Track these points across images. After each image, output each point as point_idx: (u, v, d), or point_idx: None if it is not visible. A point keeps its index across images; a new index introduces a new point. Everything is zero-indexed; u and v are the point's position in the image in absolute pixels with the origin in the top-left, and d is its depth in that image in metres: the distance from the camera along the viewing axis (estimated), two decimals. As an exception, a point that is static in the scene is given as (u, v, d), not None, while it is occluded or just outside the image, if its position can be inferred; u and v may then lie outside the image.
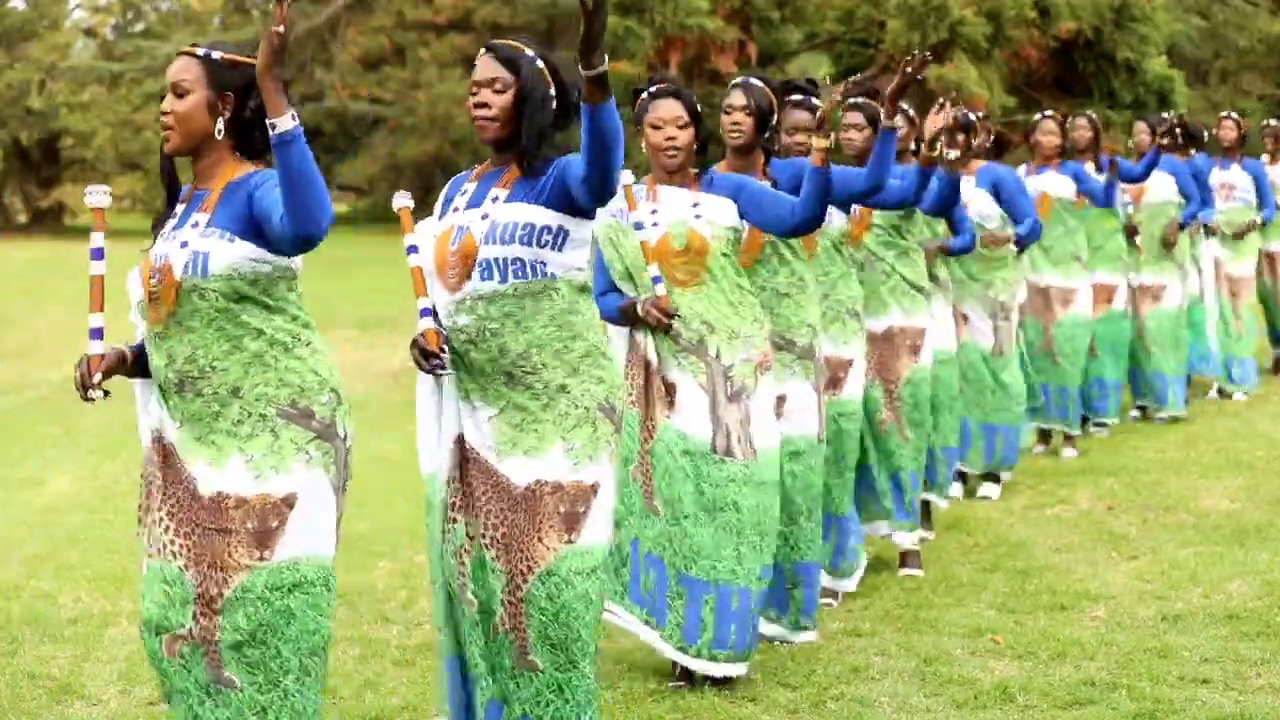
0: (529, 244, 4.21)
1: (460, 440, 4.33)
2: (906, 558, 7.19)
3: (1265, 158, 12.99)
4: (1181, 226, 10.90)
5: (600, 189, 4.08)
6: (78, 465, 10.23)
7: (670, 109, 5.39)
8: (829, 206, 5.88)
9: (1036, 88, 17.82)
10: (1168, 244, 10.83)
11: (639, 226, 5.31)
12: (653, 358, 5.40)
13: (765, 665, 5.73)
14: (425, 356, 4.22)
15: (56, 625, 6.36)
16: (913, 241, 7.20)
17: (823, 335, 6.34)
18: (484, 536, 4.26)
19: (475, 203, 4.36)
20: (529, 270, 4.22)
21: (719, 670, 5.39)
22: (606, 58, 3.82)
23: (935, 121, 6.28)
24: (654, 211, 5.41)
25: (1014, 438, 8.69)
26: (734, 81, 5.96)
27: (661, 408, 5.39)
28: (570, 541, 4.19)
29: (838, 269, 6.53)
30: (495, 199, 4.31)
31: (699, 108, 5.44)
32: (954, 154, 6.71)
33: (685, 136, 5.40)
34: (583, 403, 4.24)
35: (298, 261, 3.94)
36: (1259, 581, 6.75)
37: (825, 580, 6.54)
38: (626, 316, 5.42)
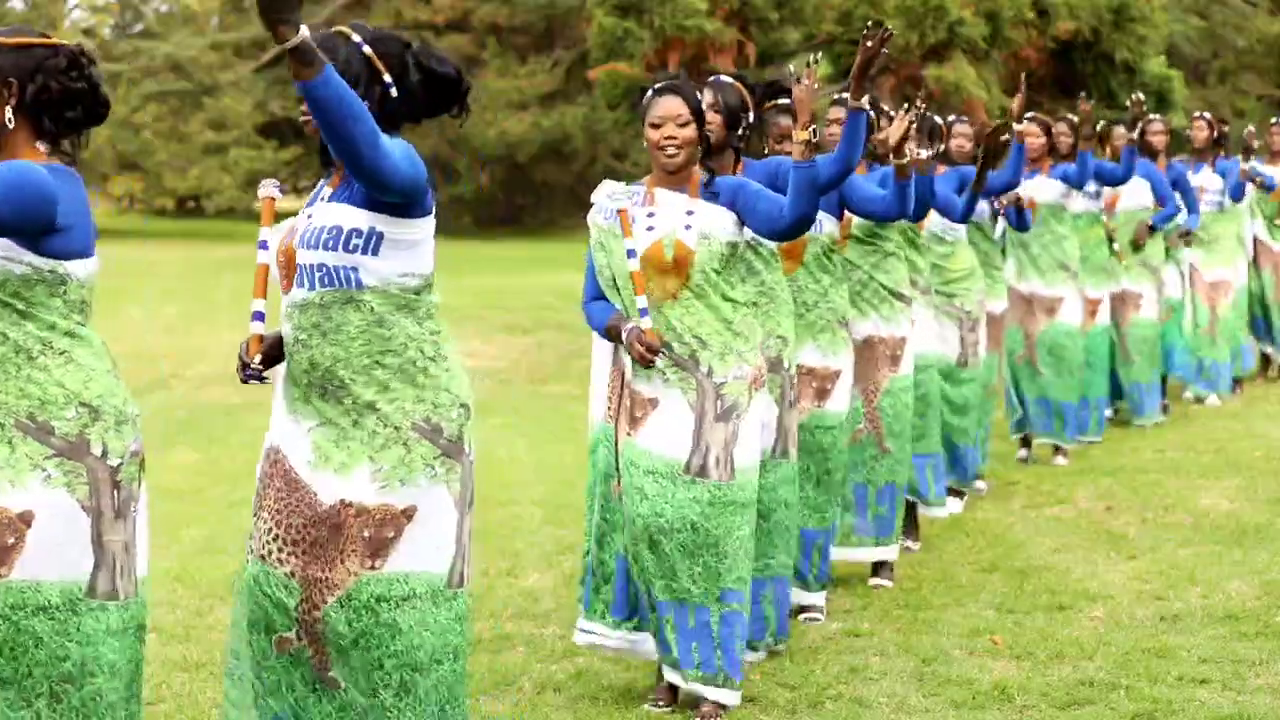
0: (335, 249, 3.92)
1: (274, 450, 4.06)
2: (879, 568, 6.99)
3: (1265, 157, 12.91)
4: (1152, 229, 10.79)
5: (358, 175, 3.72)
6: (76, 466, 10.21)
7: (670, 106, 5.14)
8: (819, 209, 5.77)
9: (1035, 88, 17.81)
10: (1136, 246, 10.72)
11: (631, 254, 5.07)
12: (628, 372, 5.22)
13: (764, 665, 5.73)
14: (241, 365, 4.02)
15: (55, 626, 6.34)
16: (891, 246, 6.91)
17: (811, 345, 6.19)
18: (278, 550, 4.00)
19: (312, 200, 4.11)
20: (335, 278, 3.93)
21: (694, 688, 5.15)
22: (304, 28, 3.47)
23: (897, 129, 5.99)
24: (650, 215, 5.18)
25: (970, 455, 8.37)
26: (708, 81, 5.74)
27: (626, 424, 5.18)
28: (374, 568, 3.92)
29: (828, 277, 6.30)
30: (324, 198, 4.04)
31: (703, 107, 5.21)
32: (926, 153, 6.44)
33: (686, 134, 5.13)
34: (393, 421, 3.94)
35: (75, 266, 3.65)
36: (1258, 582, 6.75)
37: (806, 597, 6.35)
38: (610, 336, 5.22)
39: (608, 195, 5.29)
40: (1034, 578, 6.92)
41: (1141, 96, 10.02)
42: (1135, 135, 9.80)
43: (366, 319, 3.95)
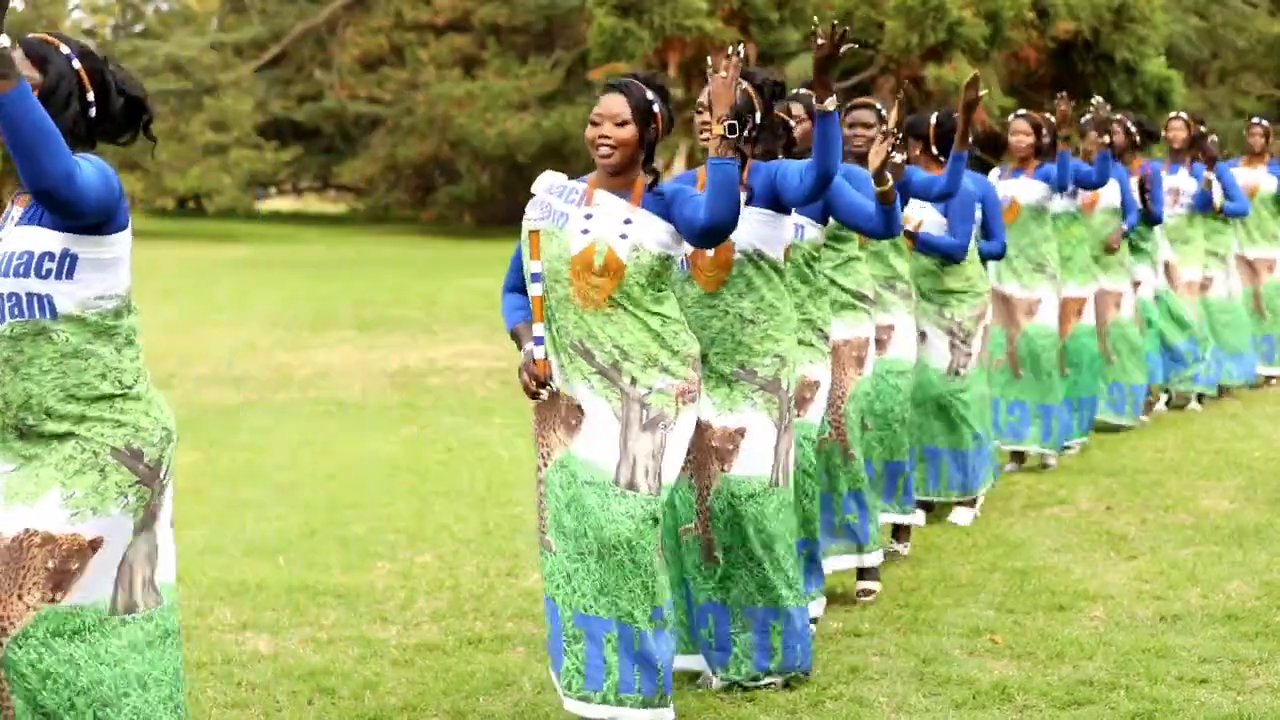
0: (26, 275, 3.68)
1: None
2: (865, 571, 6.74)
3: (1242, 159, 12.72)
4: (1126, 235, 10.65)
5: (47, 201, 3.53)
6: (76, 466, 10.22)
7: (611, 105, 4.89)
8: (782, 213, 5.42)
9: (1035, 88, 17.85)
10: (1109, 250, 10.53)
11: (535, 278, 4.87)
12: (558, 380, 4.94)
13: (764, 665, 5.73)
14: None
15: (55, 625, 6.35)
16: (853, 249, 6.69)
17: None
18: None
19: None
20: (27, 307, 3.69)
21: (629, 716, 4.88)
22: (4, 38, 3.33)
23: (875, 157, 5.76)
24: (588, 217, 4.93)
25: (965, 461, 8.04)
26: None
27: (564, 433, 4.92)
28: (54, 601, 3.71)
29: (807, 287, 6.01)
30: (13, 219, 3.77)
31: (655, 108, 4.92)
32: (900, 157, 6.17)
33: (623, 135, 4.87)
34: (90, 447, 3.74)
35: None
36: (1257, 582, 6.76)
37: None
38: (515, 343, 5.04)
39: (546, 189, 5.05)
40: (1034, 578, 6.93)
41: (1101, 99, 9.85)
42: (1106, 140, 9.57)
43: (61, 350, 3.74)
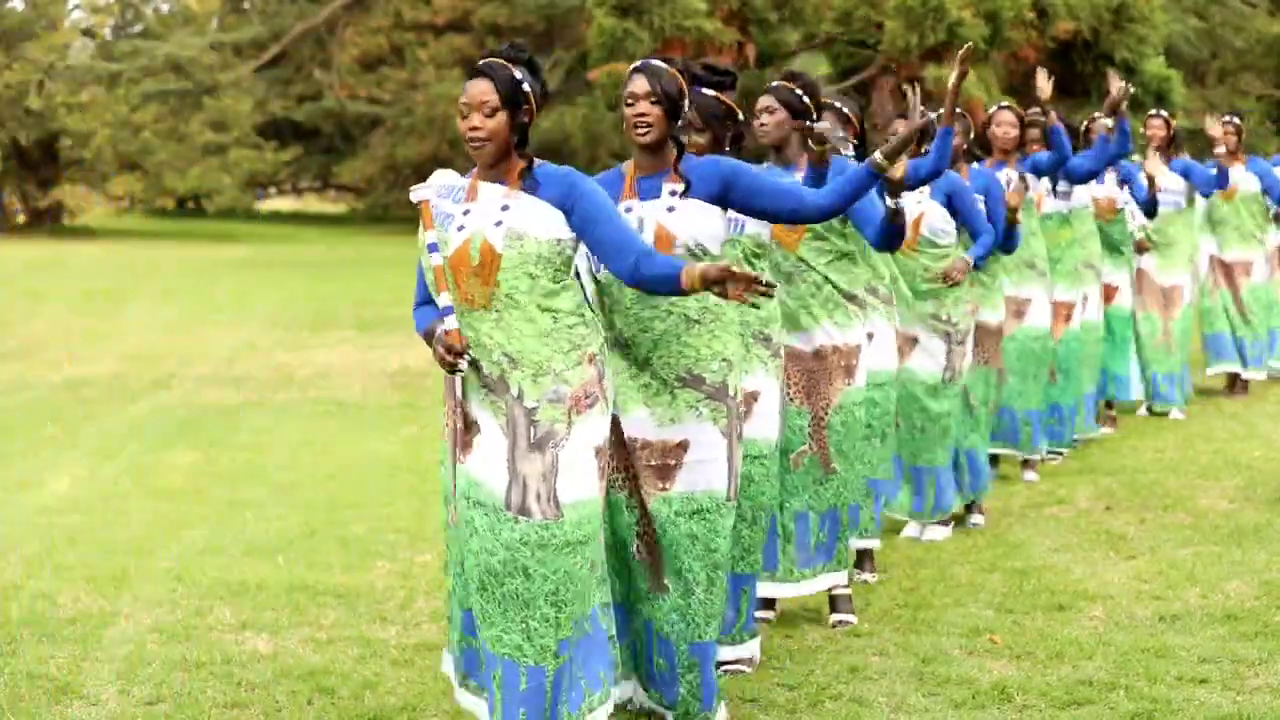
0: None
1: None
2: (837, 602, 6.34)
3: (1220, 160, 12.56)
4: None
5: None
6: (76, 466, 10.24)
7: (474, 91, 4.50)
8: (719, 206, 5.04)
9: (1034, 88, 17.83)
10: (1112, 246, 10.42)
11: (432, 249, 4.51)
12: (458, 388, 4.59)
13: (763, 665, 5.74)
14: None
15: (55, 625, 6.36)
16: (850, 245, 6.27)
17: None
18: None
19: None
20: None
21: None
22: None
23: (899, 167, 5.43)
24: (466, 213, 4.55)
25: (944, 479, 7.73)
26: (633, 66, 5.07)
27: (459, 448, 4.58)
28: None
29: None
30: None
31: (525, 87, 4.53)
32: (900, 172, 5.63)
33: (493, 125, 4.48)
34: None
35: None
36: (1257, 581, 6.76)
37: (731, 651, 5.59)
38: (428, 342, 4.59)
39: (437, 192, 4.67)
40: (1033, 577, 6.93)
41: (1123, 83, 9.65)
42: (1112, 124, 9.38)
43: None
